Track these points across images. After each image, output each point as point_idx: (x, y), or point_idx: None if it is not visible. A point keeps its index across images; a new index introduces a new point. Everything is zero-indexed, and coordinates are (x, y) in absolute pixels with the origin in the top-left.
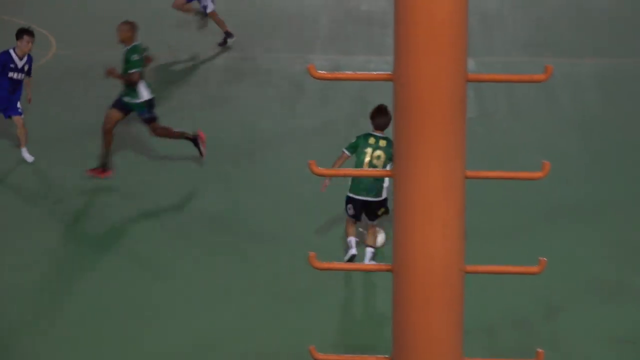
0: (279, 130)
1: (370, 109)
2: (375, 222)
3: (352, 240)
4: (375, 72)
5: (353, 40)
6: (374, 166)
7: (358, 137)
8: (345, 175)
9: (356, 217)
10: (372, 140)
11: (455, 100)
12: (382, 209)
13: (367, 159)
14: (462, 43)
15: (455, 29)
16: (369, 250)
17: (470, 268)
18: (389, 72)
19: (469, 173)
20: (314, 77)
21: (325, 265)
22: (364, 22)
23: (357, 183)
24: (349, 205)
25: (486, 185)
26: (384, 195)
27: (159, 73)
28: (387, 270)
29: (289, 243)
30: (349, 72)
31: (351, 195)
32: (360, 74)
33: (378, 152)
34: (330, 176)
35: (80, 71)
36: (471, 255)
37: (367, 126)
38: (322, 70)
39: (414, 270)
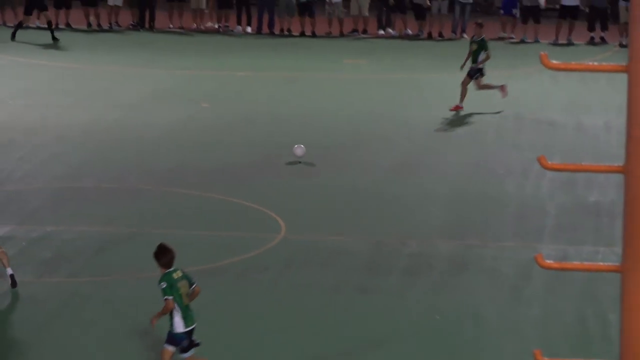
0: (502, 317)
1: (597, 303)
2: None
3: None
4: (603, 264)
5: (581, 230)
6: (188, 295)
7: (163, 282)
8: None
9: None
10: (175, 276)
11: None
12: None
13: (183, 290)
14: None
15: None
16: None
17: None
18: (617, 264)
19: None
20: (542, 267)
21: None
22: (592, 213)
23: (187, 314)
24: (187, 340)
25: None
26: None
27: (378, 258)
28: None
29: None
30: (577, 263)
31: (187, 329)
32: (588, 264)
33: (183, 282)
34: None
35: (307, 255)
36: None
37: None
38: (549, 260)
39: None
